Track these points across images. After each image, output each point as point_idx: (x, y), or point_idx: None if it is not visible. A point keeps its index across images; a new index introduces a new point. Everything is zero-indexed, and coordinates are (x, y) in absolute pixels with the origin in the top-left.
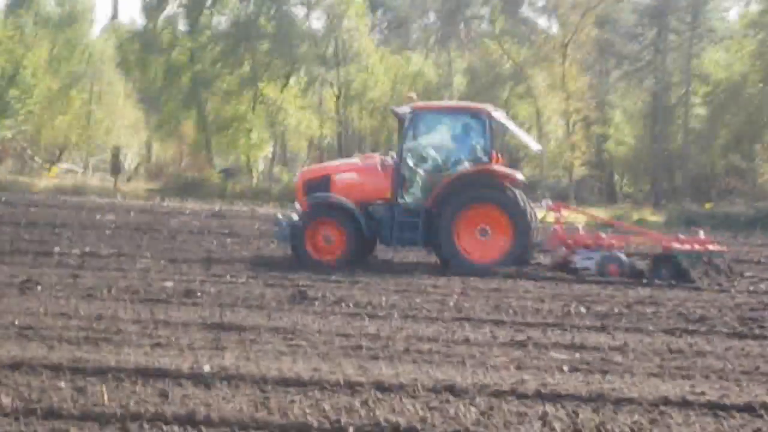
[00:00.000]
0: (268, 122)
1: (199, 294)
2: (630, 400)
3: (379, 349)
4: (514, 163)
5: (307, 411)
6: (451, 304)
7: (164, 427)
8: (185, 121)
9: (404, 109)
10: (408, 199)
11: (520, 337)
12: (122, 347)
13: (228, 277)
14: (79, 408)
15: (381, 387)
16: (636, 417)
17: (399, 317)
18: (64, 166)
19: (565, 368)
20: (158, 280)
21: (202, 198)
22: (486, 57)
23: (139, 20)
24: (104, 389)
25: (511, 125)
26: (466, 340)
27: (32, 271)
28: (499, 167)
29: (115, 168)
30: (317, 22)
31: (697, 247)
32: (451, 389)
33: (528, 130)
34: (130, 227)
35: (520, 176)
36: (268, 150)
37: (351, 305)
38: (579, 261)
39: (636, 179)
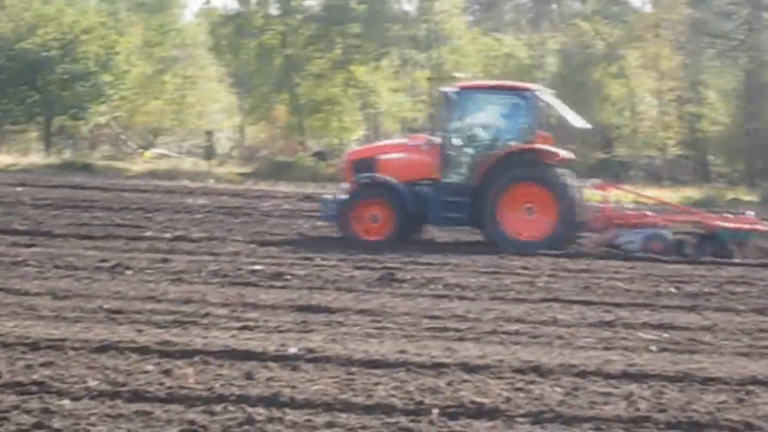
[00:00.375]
0: (360, 104)
1: (288, 277)
2: (717, 380)
3: (466, 330)
4: (607, 141)
5: (392, 392)
6: (541, 284)
7: (249, 409)
8: (277, 105)
9: (451, 89)
10: (454, 178)
11: (609, 317)
12: (210, 330)
13: (318, 259)
14: (165, 390)
15: (467, 368)
16: (723, 396)
17: (488, 298)
18: (157, 150)
19: (653, 348)
20: (248, 263)
21: (294, 181)
22: (578, 37)
23: (232, 4)
24: (191, 371)
25: (557, 104)
26: (554, 321)
27: (123, 255)
28: (544, 146)
29: (208, 152)
30: (409, 4)
31: (744, 226)
32: (537, 369)
33: (621, 110)
34: (221, 211)
35: (565, 155)
36: (360, 132)
37: (440, 287)
38: (623, 239)
39: (730, 159)
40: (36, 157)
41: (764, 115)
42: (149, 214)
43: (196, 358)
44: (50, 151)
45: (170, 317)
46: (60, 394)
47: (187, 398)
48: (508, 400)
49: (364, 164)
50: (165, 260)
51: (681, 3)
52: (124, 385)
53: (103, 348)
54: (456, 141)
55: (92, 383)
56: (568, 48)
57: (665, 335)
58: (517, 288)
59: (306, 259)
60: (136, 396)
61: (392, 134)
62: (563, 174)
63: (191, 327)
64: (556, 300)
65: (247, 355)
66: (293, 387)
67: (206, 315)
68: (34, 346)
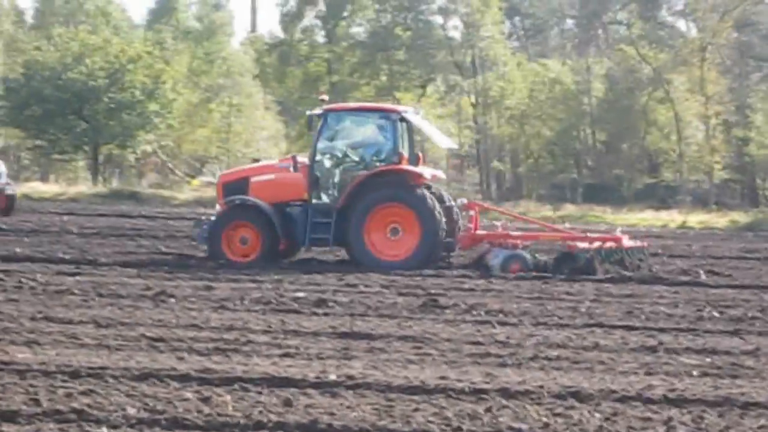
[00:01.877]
0: None
1: (330, 303)
2: (758, 405)
3: (507, 356)
4: (654, 166)
5: (431, 418)
6: (583, 310)
7: None
8: None
9: (316, 111)
10: (321, 199)
11: (651, 342)
12: (251, 357)
13: (361, 286)
14: (204, 417)
15: (506, 393)
16: (763, 421)
17: (530, 324)
18: (204, 178)
19: (695, 373)
20: (291, 290)
21: None
22: (624, 62)
23: (277, 32)
24: (229, 399)
25: (425, 126)
26: (596, 346)
27: (167, 284)
28: (409, 167)
29: None
30: (454, 31)
31: (609, 244)
32: (577, 395)
33: (668, 134)
34: None
35: (434, 175)
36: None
37: (482, 313)
38: (489, 259)
39: None
40: (83, 186)
41: None
42: (195, 242)
43: (236, 386)
44: (97, 180)
45: (211, 345)
46: (99, 422)
47: (226, 425)
48: (546, 425)
49: (235, 186)
50: (208, 288)
51: (727, 27)
52: (162, 413)
53: (144, 376)
54: (323, 162)
55: (131, 411)
56: (613, 73)
57: (707, 360)
58: (560, 313)
59: (349, 286)
60: (175, 424)
61: (439, 160)
62: (433, 194)
63: (232, 354)
64: (598, 325)
65: (286, 382)
66: (332, 414)
67: (248, 342)
68: (75, 375)
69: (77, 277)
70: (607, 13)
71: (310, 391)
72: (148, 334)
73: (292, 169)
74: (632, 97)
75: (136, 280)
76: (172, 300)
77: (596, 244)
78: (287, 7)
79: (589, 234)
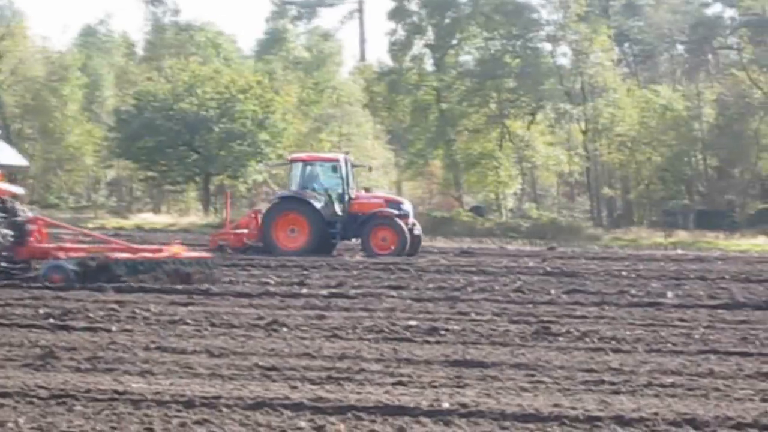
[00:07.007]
0: (516, 159)
1: (443, 332)
2: None
3: (621, 383)
4: (767, 191)
5: None
6: (697, 336)
7: None
8: (433, 160)
9: None
10: None
11: (767, 368)
12: (364, 385)
13: (473, 314)
14: None
15: (621, 421)
16: None
17: (643, 351)
18: None
19: None
20: (403, 318)
21: (451, 236)
22: (735, 87)
23: (386, 61)
24: (343, 427)
25: None
26: (711, 373)
27: (279, 313)
28: None
29: None
30: (563, 58)
31: (158, 255)
32: (692, 422)
33: None
34: (377, 267)
35: (15, 190)
36: (516, 187)
37: (595, 340)
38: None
39: None
40: (195, 217)
41: None
42: (306, 272)
43: (349, 414)
44: (209, 211)
45: (324, 373)
46: None
47: None
48: None
49: None
50: (321, 317)
51: None
52: None
53: (257, 405)
54: None
55: None
56: (724, 98)
57: None
58: (674, 340)
59: (461, 314)
60: None
61: (549, 188)
62: (7, 209)
63: (345, 383)
64: (713, 352)
65: (400, 411)
66: None
67: (360, 371)
68: (189, 404)
69: (190, 307)
70: (717, 38)
71: (423, 419)
72: (261, 363)
73: None
74: (744, 122)
75: (249, 310)
76: (285, 329)
77: (142, 254)
78: (396, 36)
79: (135, 246)
